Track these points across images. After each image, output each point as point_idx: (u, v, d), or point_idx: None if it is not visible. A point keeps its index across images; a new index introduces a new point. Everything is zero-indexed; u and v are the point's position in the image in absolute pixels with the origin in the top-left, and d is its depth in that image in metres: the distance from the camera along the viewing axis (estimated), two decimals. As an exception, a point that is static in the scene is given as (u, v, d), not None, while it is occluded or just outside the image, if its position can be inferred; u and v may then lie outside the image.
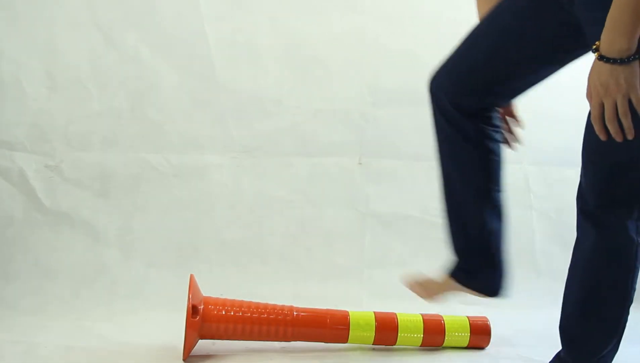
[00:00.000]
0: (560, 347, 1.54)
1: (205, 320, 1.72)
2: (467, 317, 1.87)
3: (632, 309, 2.25)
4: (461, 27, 1.58)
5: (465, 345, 1.85)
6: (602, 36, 1.28)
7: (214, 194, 2.43)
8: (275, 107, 2.46)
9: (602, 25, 1.30)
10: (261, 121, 2.46)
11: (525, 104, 2.31)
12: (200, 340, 1.76)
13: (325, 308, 1.83)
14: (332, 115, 2.46)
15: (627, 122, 1.29)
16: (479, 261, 1.62)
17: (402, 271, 1.75)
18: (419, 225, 2.44)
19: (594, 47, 1.30)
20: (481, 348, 1.86)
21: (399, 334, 1.80)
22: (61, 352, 1.79)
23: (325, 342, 1.80)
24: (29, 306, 2.10)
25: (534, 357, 1.63)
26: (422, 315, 1.82)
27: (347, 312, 1.80)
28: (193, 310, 1.69)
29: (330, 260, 2.40)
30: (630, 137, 1.31)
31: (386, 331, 1.80)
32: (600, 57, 1.27)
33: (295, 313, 1.77)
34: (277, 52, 2.47)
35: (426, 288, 1.70)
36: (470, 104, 1.57)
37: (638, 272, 1.44)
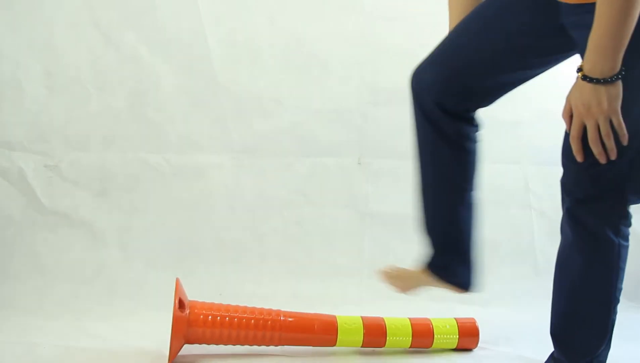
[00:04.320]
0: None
1: (191, 325, 1.70)
2: (455, 319, 1.86)
3: (633, 309, 2.27)
4: (461, 27, 1.57)
5: (454, 347, 1.84)
6: (585, 57, 1.28)
7: (213, 194, 2.43)
8: (274, 107, 2.45)
9: (586, 30, 1.30)
10: (260, 121, 2.46)
11: (525, 104, 2.31)
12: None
13: (320, 310, 1.80)
14: (332, 115, 2.46)
15: (610, 144, 1.31)
16: (450, 256, 1.65)
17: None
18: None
19: (578, 67, 1.30)
20: (469, 349, 1.85)
21: (387, 338, 1.78)
22: (60, 352, 1.78)
23: (313, 346, 1.79)
24: (27, 306, 2.10)
25: (533, 355, 1.62)
26: (410, 319, 1.80)
27: (335, 317, 1.78)
28: (178, 319, 1.67)
29: (330, 259, 2.40)
30: (613, 158, 1.32)
31: (374, 336, 1.78)
32: (584, 77, 1.28)
33: (282, 317, 1.74)
34: (277, 52, 2.47)
35: (402, 281, 1.72)
36: (453, 103, 1.55)
37: (623, 272, 1.44)
